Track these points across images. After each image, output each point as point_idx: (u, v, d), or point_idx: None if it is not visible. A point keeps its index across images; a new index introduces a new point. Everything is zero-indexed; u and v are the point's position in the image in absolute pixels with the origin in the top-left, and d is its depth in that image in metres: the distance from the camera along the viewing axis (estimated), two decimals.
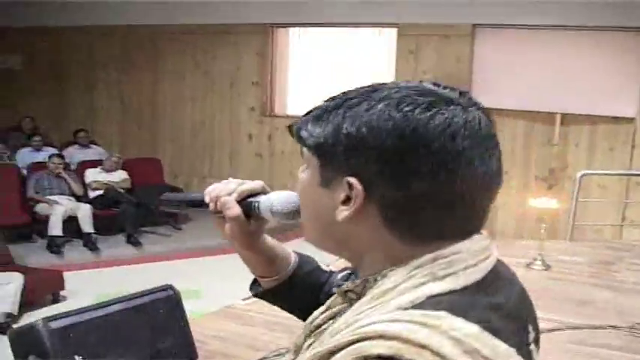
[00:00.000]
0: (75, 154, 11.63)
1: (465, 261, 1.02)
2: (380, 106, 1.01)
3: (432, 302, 0.96)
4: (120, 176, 10.72)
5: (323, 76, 11.13)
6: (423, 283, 0.99)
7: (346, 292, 1.13)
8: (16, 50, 13.78)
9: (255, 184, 1.38)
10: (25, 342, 4.08)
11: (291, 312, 1.57)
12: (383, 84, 1.08)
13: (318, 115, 1.08)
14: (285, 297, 1.52)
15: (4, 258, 8.16)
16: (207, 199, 1.38)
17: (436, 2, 9.56)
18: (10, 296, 7.28)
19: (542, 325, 3.20)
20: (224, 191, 1.37)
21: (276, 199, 1.32)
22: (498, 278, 1.07)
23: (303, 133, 1.09)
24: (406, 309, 0.96)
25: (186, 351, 2.38)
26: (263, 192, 1.37)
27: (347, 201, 1.04)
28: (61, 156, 10.70)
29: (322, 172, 1.07)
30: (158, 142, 12.37)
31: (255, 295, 1.56)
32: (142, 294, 2.48)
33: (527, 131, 9.50)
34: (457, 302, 0.96)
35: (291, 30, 11.54)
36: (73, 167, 11.08)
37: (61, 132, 12.78)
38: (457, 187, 1.00)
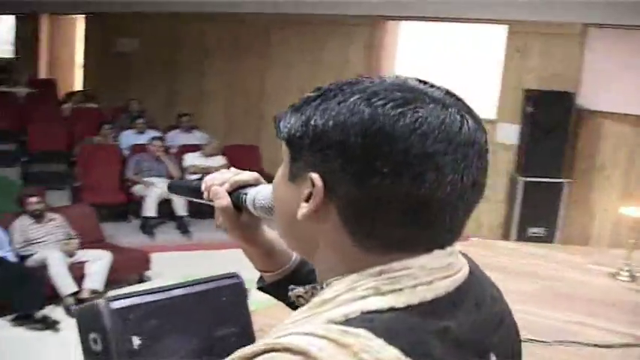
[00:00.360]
0: (177, 138, 11.78)
1: (416, 278, 0.96)
2: (352, 99, 0.96)
3: (365, 319, 0.91)
4: (218, 162, 10.75)
5: (430, 72, 10.92)
6: (364, 297, 0.94)
7: (298, 297, 1.12)
8: (132, 34, 14.15)
9: (249, 175, 1.34)
10: (87, 320, 4.15)
11: (294, 309, 1.48)
12: (367, 78, 1.02)
13: (297, 106, 1.03)
14: (286, 293, 1.44)
15: (96, 236, 8.34)
16: (202, 188, 1.35)
17: (547, 0, 9.27)
18: (96, 273, 7.45)
19: (615, 339, 3.00)
20: (217, 180, 1.33)
21: (259, 193, 1.28)
22: (459, 300, 1.00)
23: (280, 124, 1.05)
24: (338, 323, 0.90)
25: (245, 340, 2.34)
26: (256, 184, 1.32)
27: (310, 198, 0.99)
28: (161, 139, 10.86)
29: (291, 165, 1.03)
30: (262, 130, 12.35)
31: (260, 289, 1.52)
32: (207, 280, 2.50)
33: (634, 136, 9.12)
34: (389, 322, 0.91)
35: (401, 23, 11.36)
36: (173, 151, 11.22)
37: (169, 116, 12.96)
38: (422, 193, 0.93)
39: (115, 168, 10.53)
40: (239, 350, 0.92)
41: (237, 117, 12.79)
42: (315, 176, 0.97)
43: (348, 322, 0.90)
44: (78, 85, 16.26)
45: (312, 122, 0.98)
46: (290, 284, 1.36)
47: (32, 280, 7.14)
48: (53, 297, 7.18)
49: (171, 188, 1.52)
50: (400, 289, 0.94)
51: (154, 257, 8.23)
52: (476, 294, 1.04)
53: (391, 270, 0.95)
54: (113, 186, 10.25)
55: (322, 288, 1.01)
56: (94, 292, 7.26)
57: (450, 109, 0.95)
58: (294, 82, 11.84)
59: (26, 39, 17.64)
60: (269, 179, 1.26)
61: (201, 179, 1.39)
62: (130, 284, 7.78)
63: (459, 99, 0.99)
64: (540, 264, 4.29)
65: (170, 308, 2.79)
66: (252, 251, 1.42)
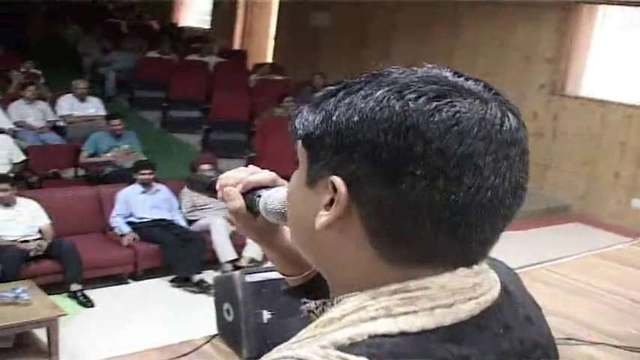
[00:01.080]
0: None
1: (434, 299, 0.85)
2: (380, 92, 0.85)
3: (372, 343, 0.81)
4: None
5: (627, 61, 10.38)
6: (373, 318, 0.84)
7: (309, 311, 1.03)
8: (325, 9, 14.27)
9: (265, 175, 1.22)
10: (223, 289, 4.12)
11: None
12: (397, 68, 0.90)
13: (316, 101, 0.92)
14: (309, 298, 1.30)
15: None
16: (217, 186, 1.25)
17: None
18: None
19: None
20: (231, 180, 1.23)
21: (271, 197, 1.17)
22: (485, 324, 0.88)
23: (297, 122, 0.94)
24: (341, 346, 0.81)
25: None
26: (272, 185, 1.22)
27: (331, 205, 0.87)
28: None
29: (309, 168, 0.91)
30: None
31: (284, 292, 1.40)
32: None
33: None
34: (396, 348, 0.80)
35: (599, 8, 10.82)
36: None
37: None
38: (459, 199, 0.82)
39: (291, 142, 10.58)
40: None
41: None
42: (337, 180, 0.85)
43: (352, 346, 0.81)
44: (269, 57, 16.58)
45: (334, 118, 0.86)
46: (312, 290, 1.26)
47: (195, 244, 7.36)
48: (212, 262, 7.37)
49: (188, 182, 1.44)
50: (415, 312, 0.84)
51: None
52: (506, 317, 0.92)
53: (406, 289, 0.85)
54: (287, 158, 10.29)
55: (332, 305, 0.91)
56: (252, 260, 7.36)
57: (489, 104, 0.84)
58: (481, 65, 11.54)
59: (223, 10, 18.19)
60: None
61: (217, 176, 1.28)
62: None
63: (497, 93, 0.88)
64: None
65: None
66: (270, 254, 1.32)
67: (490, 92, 0.87)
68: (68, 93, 10.48)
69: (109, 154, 9.02)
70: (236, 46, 17.76)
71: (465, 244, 0.86)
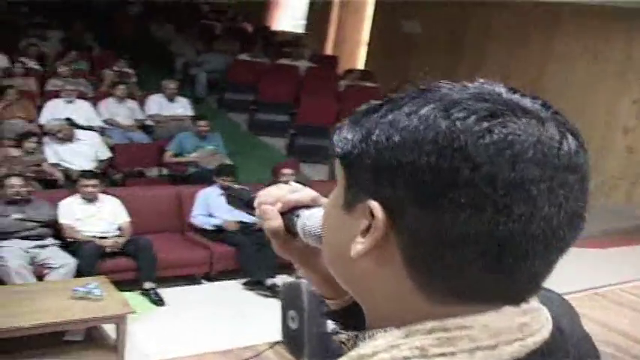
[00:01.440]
0: None
1: (476, 340, 0.77)
2: (425, 110, 0.77)
3: None
4: None
5: None
6: (407, 358, 0.77)
7: (341, 342, 0.97)
8: (415, 16, 14.23)
9: (305, 194, 1.12)
10: (289, 296, 4.11)
11: None
12: (447, 83, 0.82)
13: (358, 117, 0.85)
14: (348, 324, 1.19)
15: None
16: (255, 204, 1.16)
17: None
18: None
19: None
20: (270, 198, 1.13)
21: (311, 218, 1.08)
22: None
23: (335, 138, 0.86)
24: None
25: None
26: (313, 205, 1.12)
27: (367, 231, 0.80)
28: None
29: (347, 190, 0.84)
30: None
31: (324, 314, 1.31)
32: None
33: None
34: None
35: None
36: None
37: None
38: (508, 230, 0.74)
39: None
40: None
41: None
42: (374, 205, 0.78)
43: None
44: (361, 63, 16.58)
45: (374, 137, 0.79)
46: (350, 316, 1.17)
47: (271, 248, 7.29)
48: (287, 267, 7.30)
49: (227, 197, 1.36)
50: (452, 353, 0.77)
51: None
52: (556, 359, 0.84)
53: (444, 328, 0.78)
54: None
55: (364, 339, 0.85)
56: None
57: (546, 124, 0.77)
58: (572, 77, 11.33)
59: (317, 15, 18.28)
60: None
61: (256, 192, 1.20)
62: None
63: (556, 112, 0.80)
64: None
65: None
66: (310, 276, 1.23)
67: (548, 111, 0.80)
68: (158, 93, 10.69)
69: (193, 155, 9.14)
70: (328, 51, 17.80)
71: (512, 280, 0.79)
